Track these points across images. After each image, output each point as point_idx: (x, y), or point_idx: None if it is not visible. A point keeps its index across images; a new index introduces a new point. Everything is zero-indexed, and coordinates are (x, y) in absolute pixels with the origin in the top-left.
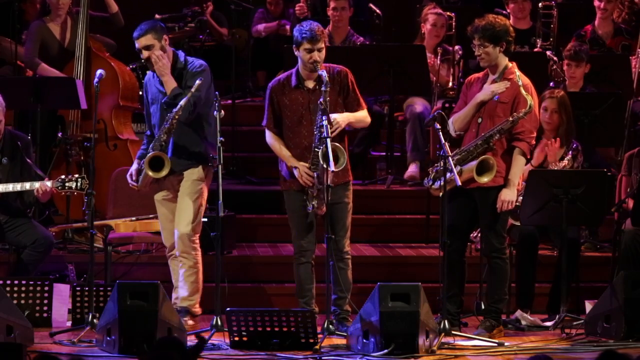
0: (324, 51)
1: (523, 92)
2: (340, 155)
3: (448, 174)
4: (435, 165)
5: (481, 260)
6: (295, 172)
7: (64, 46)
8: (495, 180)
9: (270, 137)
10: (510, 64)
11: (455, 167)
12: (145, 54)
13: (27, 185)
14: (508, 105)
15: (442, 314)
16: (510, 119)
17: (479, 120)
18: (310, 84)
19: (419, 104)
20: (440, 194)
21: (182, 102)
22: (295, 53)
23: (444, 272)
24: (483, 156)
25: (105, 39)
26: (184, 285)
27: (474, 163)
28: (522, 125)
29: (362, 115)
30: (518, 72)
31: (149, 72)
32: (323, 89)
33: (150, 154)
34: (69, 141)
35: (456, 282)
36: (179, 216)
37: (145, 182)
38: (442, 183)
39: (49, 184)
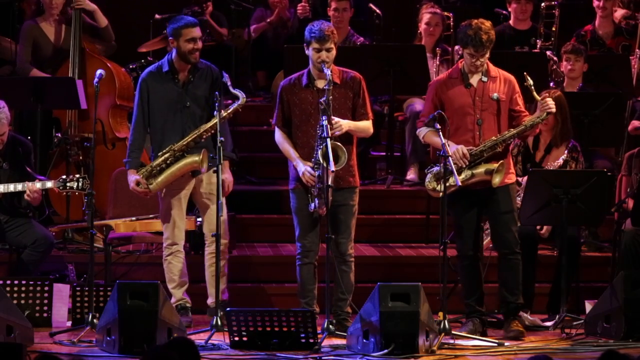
0: (333, 51)
1: (536, 96)
2: (340, 154)
3: (450, 178)
4: (435, 165)
5: (482, 260)
6: (299, 171)
7: (58, 47)
8: (509, 177)
9: (279, 136)
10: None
11: (464, 170)
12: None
13: (28, 185)
14: (506, 102)
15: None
16: (528, 124)
17: (479, 121)
18: (320, 84)
19: (419, 104)
20: (440, 194)
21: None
22: (306, 52)
23: (444, 272)
24: (501, 161)
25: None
26: (221, 279)
27: (490, 167)
28: (522, 106)
29: (365, 126)
30: (496, 69)
31: (149, 70)
32: (325, 87)
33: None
34: (68, 141)
35: (479, 283)
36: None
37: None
38: (443, 185)
39: (49, 184)
